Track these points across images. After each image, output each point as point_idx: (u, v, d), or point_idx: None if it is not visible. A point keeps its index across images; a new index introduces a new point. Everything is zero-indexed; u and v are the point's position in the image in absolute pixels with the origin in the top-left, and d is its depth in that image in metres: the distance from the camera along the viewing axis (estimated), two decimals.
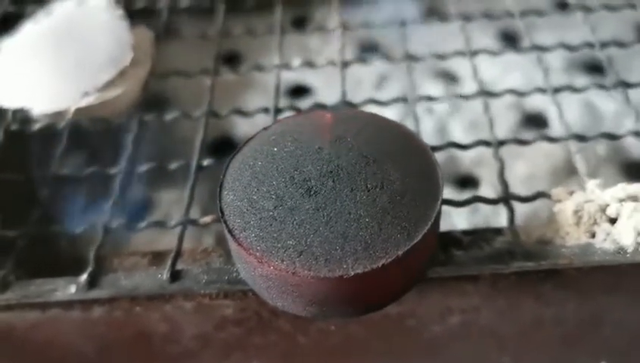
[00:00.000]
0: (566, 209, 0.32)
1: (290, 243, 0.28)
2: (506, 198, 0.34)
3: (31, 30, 0.41)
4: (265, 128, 0.33)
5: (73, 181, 0.37)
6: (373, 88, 0.58)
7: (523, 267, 0.32)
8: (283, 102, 0.45)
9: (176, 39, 0.46)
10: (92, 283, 0.32)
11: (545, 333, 0.37)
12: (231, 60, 0.62)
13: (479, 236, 0.33)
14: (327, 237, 0.28)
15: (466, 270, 0.32)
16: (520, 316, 0.36)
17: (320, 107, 0.40)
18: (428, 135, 0.55)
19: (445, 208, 0.32)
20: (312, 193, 0.29)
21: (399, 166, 0.30)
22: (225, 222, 0.29)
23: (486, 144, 0.37)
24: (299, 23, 0.63)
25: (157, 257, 0.34)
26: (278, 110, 0.39)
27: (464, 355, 0.39)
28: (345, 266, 0.27)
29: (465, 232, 0.34)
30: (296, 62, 0.44)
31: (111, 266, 0.33)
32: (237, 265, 0.31)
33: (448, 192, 0.52)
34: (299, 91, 0.60)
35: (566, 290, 0.33)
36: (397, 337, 0.37)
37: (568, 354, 0.39)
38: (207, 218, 0.34)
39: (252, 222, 0.29)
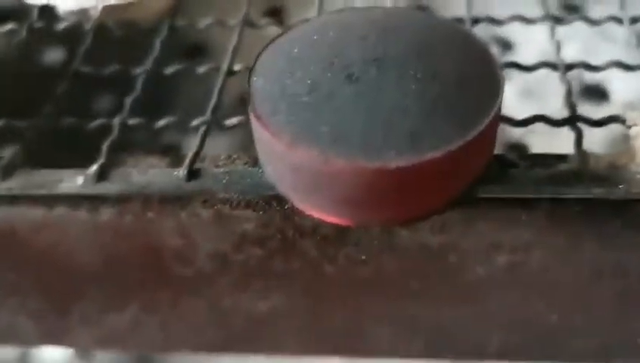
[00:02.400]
0: None
1: (325, 129, 0.24)
2: (573, 119, 0.30)
3: None
4: (305, 20, 0.29)
5: (94, 79, 0.34)
6: None
7: (590, 193, 0.28)
8: None
9: None
10: (102, 175, 0.29)
11: (605, 287, 0.32)
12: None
13: (539, 159, 0.29)
14: (368, 124, 0.24)
15: (522, 191, 0.28)
16: (579, 261, 0.31)
17: None
18: None
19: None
20: (352, 79, 0.25)
21: (454, 61, 0.26)
22: (253, 107, 0.26)
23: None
24: None
25: (175, 159, 0.31)
26: None
27: (506, 307, 0.35)
28: (386, 157, 0.23)
29: (522, 156, 0.30)
30: None
31: (120, 159, 0.30)
32: (264, 161, 0.27)
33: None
34: None
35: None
36: (434, 276, 0.33)
37: (630, 318, 0.34)
38: (234, 120, 0.31)
39: (283, 107, 0.25)
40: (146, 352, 0.41)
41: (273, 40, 0.28)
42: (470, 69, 0.26)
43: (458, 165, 0.25)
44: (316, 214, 0.26)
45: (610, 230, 0.29)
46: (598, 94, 0.56)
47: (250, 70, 0.27)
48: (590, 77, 0.55)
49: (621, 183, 0.27)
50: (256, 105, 0.26)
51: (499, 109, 0.25)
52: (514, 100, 0.56)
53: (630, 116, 0.29)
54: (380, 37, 0.27)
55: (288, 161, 0.25)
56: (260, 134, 0.25)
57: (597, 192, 0.27)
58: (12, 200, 0.30)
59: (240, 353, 0.39)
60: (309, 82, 0.26)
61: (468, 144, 0.24)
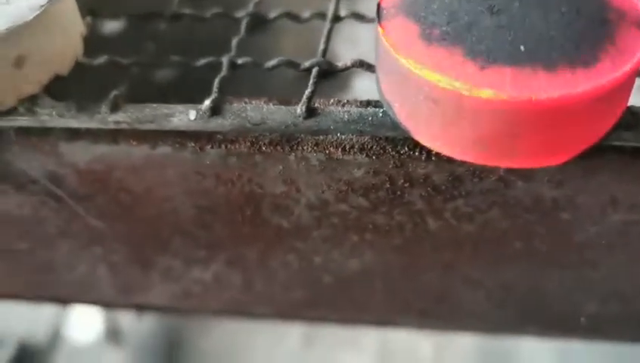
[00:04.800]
0: None
1: (467, 59, 0.23)
2: None
3: None
4: None
5: (195, 20, 0.33)
6: None
7: None
8: None
9: None
10: (215, 110, 0.28)
11: None
12: None
13: None
14: (513, 55, 0.23)
15: None
16: None
17: None
18: None
19: None
20: (494, 11, 0.24)
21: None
22: (385, 37, 0.24)
23: None
24: None
25: (286, 101, 0.30)
26: None
27: (611, 276, 0.34)
28: (535, 88, 0.22)
29: None
30: None
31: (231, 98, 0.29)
32: (392, 95, 0.26)
33: None
34: None
35: None
36: (542, 235, 0.32)
37: None
38: (347, 61, 0.30)
39: (419, 38, 0.24)
40: (224, 313, 0.40)
41: None
42: (613, 7, 0.25)
43: (605, 103, 0.23)
44: (446, 151, 0.25)
45: None
46: None
47: (377, 4, 0.26)
48: None
49: None
50: (389, 35, 0.24)
51: None
52: None
53: None
54: None
55: (427, 91, 0.24)
56: (394, 64, 0.24)
57: None
58: (115, 137, 0.29)
59: (324, 314, 0.38)
60: (446, 13, 0.25)
61: (618, 82, 0.23)
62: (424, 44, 0.24)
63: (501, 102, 0.22)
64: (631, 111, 0.27)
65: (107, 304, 0.40)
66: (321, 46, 0.31)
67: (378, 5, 0.26)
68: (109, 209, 0.33)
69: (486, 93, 0.22)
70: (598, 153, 0.27)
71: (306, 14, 0.33)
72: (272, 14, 0.33)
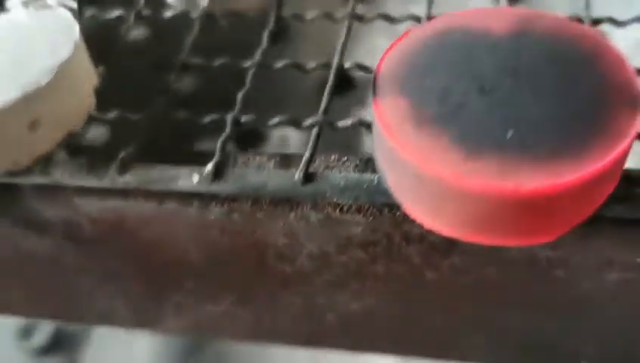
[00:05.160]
0: None
1: (456, 143, 0.24)
2: None
3: None
4: (428, 20, 0.29)
5: (202, 71, 0.34)
6: None
7: None
8: None
9: None
10: (217, 174, 0.29)
11: None
12: None
13: None
14: (501, 141, 0.24)
15: None
16: None
17: None
18: None
19: None
20: (485, 90, 0.25)
21: (591, 73, 0.25)
22: (379, 117, 0.25)
23: None
24: None
25: (286, 159, 0.31)
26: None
27: (609, 326, 0.34)
28: (521, 177, 0.23)
29: None
30: None
31: (236, 162, 0.30)
32: (383, 168, 0.27)
33: None
34: None
35: None
36: (539, 288, 0.32)
37: None
38: (347, 122, 0.30)
39: (410, 119, 0.25)
40: (236, 341, 0.42)
41: (395, 43, 0.28)
42: (606, 81, 0.25)
43: (593, 189, 0.24)
44: (435, 228, 0.26)
45: None
46: None
47: (374, 77, 0.26)
48: None
49: None
50: (382, 115, 0.25)
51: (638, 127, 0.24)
52: None
53: None
54: (511, 44, 0.26)
55: (414, 174, 0.24)
56: (385, 143, 0.25)
57: None
58: (125, 192, 0.31)
59: (329, 348, 0.39)
60: (438, 91, 0.25)
61: (605, 169, 0.23)
62: (414, 124, 0.25)
63: (486, 190, 0.23)
64: (624, 183, 0.27)
65: (127, 328, 0.41)
66: (324, 102, 0.31)
67: (375, 76, 0.27)
68: (122, 253, 0.35)
69: (470, 181, 0.23)
70: (592, 222, 0.27)
71: (311, 65, 0.34)
72: (278, 64, 0.34)
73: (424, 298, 0.34)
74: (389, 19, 0.35)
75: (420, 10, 0.34)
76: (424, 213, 0.26)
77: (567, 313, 0.34)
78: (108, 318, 0.40)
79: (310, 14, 0.36)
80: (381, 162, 0.27)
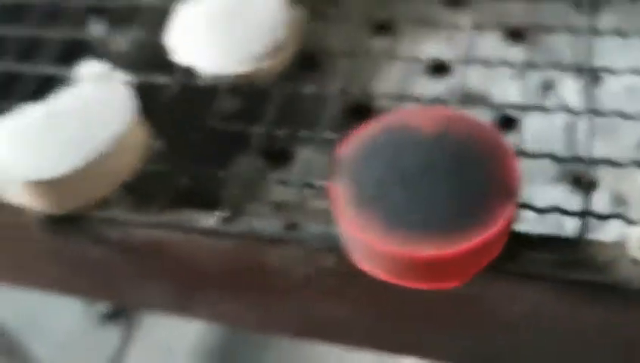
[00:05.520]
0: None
1: (381, 221, 0.34)
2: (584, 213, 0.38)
3: (206, 1, 0.49)
4: (383, 116, 0.39)
5: (224, 136, 0.46)
6: None
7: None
8: None
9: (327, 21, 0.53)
10: (228, 219, 0.41)
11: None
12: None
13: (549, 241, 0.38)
14: (411, 219, 0.34)
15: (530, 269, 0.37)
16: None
17: None
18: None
19: None
20: (406, 181, 0.35)
21: (485, 169, 0.35)
22: (332, 199, 0.36)
23: None
24: None
25: (278, 207, 0.42)
26: None
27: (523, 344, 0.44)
28: (421, 246, 0.33)
29: (540, 238, 0.38)
30: None
31: (242, 208, 0.41)
32: (340, 230, 0.37)
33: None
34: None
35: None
36: (470, 312, 0.43)
37: None
38: (324, 183, 0.41)
39: (352, 201, 0.35)
40: (247, 330, 0.53)
41: (353, 135, 0.38)
42: (495, 177, 0.35)
43: (477, 254, 0.34)
44: (373, 273, 0.36)
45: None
46: None
47: (335, 161, 0.37)
48: None
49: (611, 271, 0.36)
50: (335, 197, 0.36)
51: (514, 208, 0.34)
52: None
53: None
54: (433, 142, 0.36)
55: (354, 239, 0.35)
56: (337, 215, 0.36)
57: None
58: (162, 225, 0.42)
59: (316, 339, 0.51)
60: (373, 179, 0.36)
61: (484, 241, 0.33)
62: (355, 205, 0.35)
63: (397, 254, 0.34)
64: (515, 241, 0.37)
65: (168, 312, 0.54)
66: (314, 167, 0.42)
67: (335, 159, 0.37)
68: (162, 265, 0.47)
69: (387, 247, 0.34)
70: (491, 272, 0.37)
71: (303, 134, 0.44)
72: (282, 133, 0.45)
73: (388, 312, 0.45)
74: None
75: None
76: (365, 263, 0.36)
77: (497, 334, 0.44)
78: (153, 306, 0.53)
79: (308, 88, 0.46)
80: (339, 226, 0.37)
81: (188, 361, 1.06)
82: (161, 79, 0.49)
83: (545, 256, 0.37)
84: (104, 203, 0.43)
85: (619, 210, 0.42)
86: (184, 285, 0.49)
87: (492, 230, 0.34)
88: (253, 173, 0.43)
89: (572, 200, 0.51)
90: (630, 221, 0.37)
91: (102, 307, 1.07)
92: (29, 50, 0.54)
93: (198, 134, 0.46)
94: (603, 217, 0.38)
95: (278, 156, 0.53)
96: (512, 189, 0.35)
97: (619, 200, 0.51)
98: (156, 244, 0.44)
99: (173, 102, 0.48)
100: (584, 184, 0.49)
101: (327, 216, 0.41)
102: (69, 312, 1.10)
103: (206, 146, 0.46)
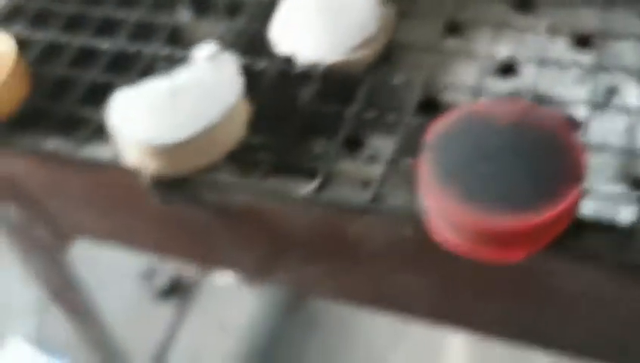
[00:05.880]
0: None
1: (462, 194, 0.39)
2: None
3: None
4: (468, 106, 0.44)
5: (317, 116, 0.51)
6: None
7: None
8: None
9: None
10: (319, 189, 0.46)
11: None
12: None
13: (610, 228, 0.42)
14: (490, 194, 0.39)
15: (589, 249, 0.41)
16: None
17: None
18: None
19: None
20: (486, 159, 0.40)
21: (556, 155, 0.40)
22: (419, 172, 0.41)
23: None
24: None
25: (365, 183, 0.47)
26: None
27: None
28: (496, 218, 0.38)
29: (599, 223, 0.43)
30: None
31: (333, 180, 0.47)
32: (423, 203, 0.43)
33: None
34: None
35: None
36: (531, 286, 0.47)
37: None
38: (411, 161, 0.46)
39: (436, 175, 0.40)
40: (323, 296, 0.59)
41: (440, 120, 0.43)
42: (564, 163, 0.40)
43: (544, 229, 0.39)
44: (450, 242, 0.41)
45: None
46: None
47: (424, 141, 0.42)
48: None
49: None
50: (421, 170, 0.41)
51: (579, 193, 0.39)
52: None
53: None
54: (511, 130, 0.41)
55: (435, 207, 0.40)
56: (422, 185, 0.41)
57: None
58: (257, 192, 0.48)
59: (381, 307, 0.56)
60: (457, 158, 0.41)
61: (547, 220, 0.38)
62: (437, 179, 0.40)
63: (469, 222, 0.39)
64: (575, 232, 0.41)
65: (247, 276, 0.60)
66: (394, 147, 0.47)
67: (423, 141, 0.42)
68: (251, 228, 0.53)
69: (464, 218, 0.39)
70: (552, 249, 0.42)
71: (391, 117, 0.50)
72: (369, 115, 0.50)
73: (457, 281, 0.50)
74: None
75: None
76: (442, 233, 0.41)
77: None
78: (235, 265, 0.59)
79: (398, 78, 0.51)
80: (422, 199, 0.43)
81: (240, 338, 1.12)
82: (262, 64, 0.54)
83: (602, 239, 0.41)
84: (212, 169, 0.49)
85: None
86: (273, 250, 0.55)
87: (558, 208, 0.38)
88: (340, 151, 0.48)
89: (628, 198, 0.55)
90: None
91: (160, 282, 1.13)
92: (139, 33, 0.61)
93: (294, 114, 0.52)
94: None
95: (358, 141, 0.58)
96: (579, 175, 0.40)
97: None
98: (253, 209, 0.50)
99: (272, 86, 0.54)
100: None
101: (408, 192, 0.46)
102: (128, 285, 1.17)
103: (299, 125, 0.52)
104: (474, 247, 0.40)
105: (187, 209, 0.53)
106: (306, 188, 0.47)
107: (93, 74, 0.58)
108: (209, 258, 0.60)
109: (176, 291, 1.15)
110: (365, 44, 0.53)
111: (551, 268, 0.44)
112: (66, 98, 0.57)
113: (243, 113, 0.50)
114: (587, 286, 0.44)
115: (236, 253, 0.57)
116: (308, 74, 0.53)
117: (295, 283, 0.58)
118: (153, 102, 0.49)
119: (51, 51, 0.61)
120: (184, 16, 0.65)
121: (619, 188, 0.56)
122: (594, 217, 0.43)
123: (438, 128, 0.43)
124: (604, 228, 0.42)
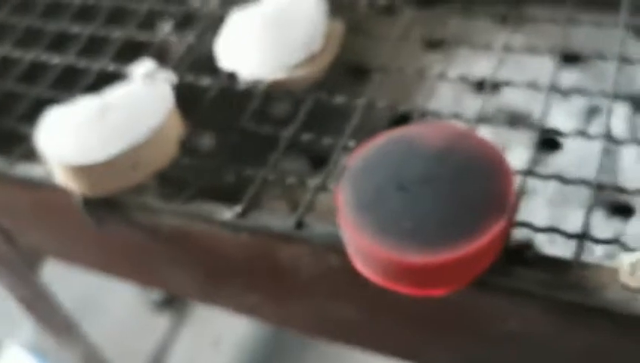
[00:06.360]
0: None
1: (375, 225, 0.36)
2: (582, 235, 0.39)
3: (252, 11, 0.53)
4: (394, 130, 0.41)
5: (251, 135, 0.49)
6: None
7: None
8: None
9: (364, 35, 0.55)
10: (242, 214, 0.44)
11: None
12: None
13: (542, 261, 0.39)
14: (403, 227, 0.36)
15: (522, 285, 0.38)
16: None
17: None
18: None
19: None
20: (403, 189, 0.37)
21: (482, 184, 0.37)
22: (335, 201, 0.38)
23: None
24: None
25: (293, 207, 0.44)
26: None
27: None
28: (409, 254, 0.35)
29: (534, 256, 0.39)
30: None
31: (258, 205, 0.44)
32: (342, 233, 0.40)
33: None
34: None
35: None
36: (461, 321, 0.44)
37: None
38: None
39: (351, 205, 0.38)
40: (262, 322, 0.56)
41: (361, 146, 0.40)
42: (490, 192, 0.37)
43: (467, 263, 0.36)
44: (368, 275, 0.38)
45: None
46: None
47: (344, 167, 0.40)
48: None
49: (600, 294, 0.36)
50: (337, 200, 0.38)
51: (506, 225, 0.36)
52: None
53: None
54: (435, 156, 0.38)
55: (349, 239, 0.37)
56: (340, 218, 0.38)
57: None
58: (187, 215, 0.46)
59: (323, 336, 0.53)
60: (373, 186, 0.38)
61: (471, 252, 0.35)
62: (352, 209, 0.37)
63: (383, 258, 0.36)
64: (507, 258, 0.38)
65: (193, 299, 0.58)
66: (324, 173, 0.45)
67: (343, 168, 0.40)
68: (187, 250, 0.50)
69: (378, 252, 0.36)
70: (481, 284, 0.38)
71: (327, 141, 0.47)
72: (305, 138, 0.47)
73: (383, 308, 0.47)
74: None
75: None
76: (359, 264, 0.39)
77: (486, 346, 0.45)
78: (181, 290, 0.57)
79: (338, 99, 0.49)
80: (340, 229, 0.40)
81: (235, 353, 1.11)
82: (204, 81, 0.52)
83: (537, 275, 0.38)
84: (141, 189, 0.47)
85: None
86: (209, 274, 0.52)
87: (478, 243, 0.35)
88: (275, 173, 0.45)
89: (605, 226, 0.51)
90: (626, 248, 0.38)
91: (155, 294, 1.13)
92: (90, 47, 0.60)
93: (232, 133, 0.49)
94: (600, 241, 0.39)
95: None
96: (505, 206, 0.36)
97: None
98: (182, 232, 0.48)
99: (213, 104, 0.52)
100: (619, 210, 0.50)
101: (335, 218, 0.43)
102: (122, 298, 1.16)
103: (237, 145, 0.50)
104: (391, 283, 0.38)
105: (122, 230, 0.51)
106: (230, 213, 0.44)
107: (38, 90, 0.57)
108: (153, 281, 0.58)
109: (172, 303, 1.15)
110: (309, 61, 0.50)
111: (480, 304, 0.41)
112: (11, 114, 0.56)
113: (175, 132, 0.48)
114: (521, 325, 0.41)
115: (177, 277, 0.55)
116: (249, 92, 0.51)
117: (239, 309, 0.56)
118: (82, 120, 0.47)
119: (3, 66, 0.60)
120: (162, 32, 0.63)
121: (594, 218, 0.52)
122: (532, 252, 0.40)
123: (361, 153, 0.40)
124: (540, 262, 0.39)
